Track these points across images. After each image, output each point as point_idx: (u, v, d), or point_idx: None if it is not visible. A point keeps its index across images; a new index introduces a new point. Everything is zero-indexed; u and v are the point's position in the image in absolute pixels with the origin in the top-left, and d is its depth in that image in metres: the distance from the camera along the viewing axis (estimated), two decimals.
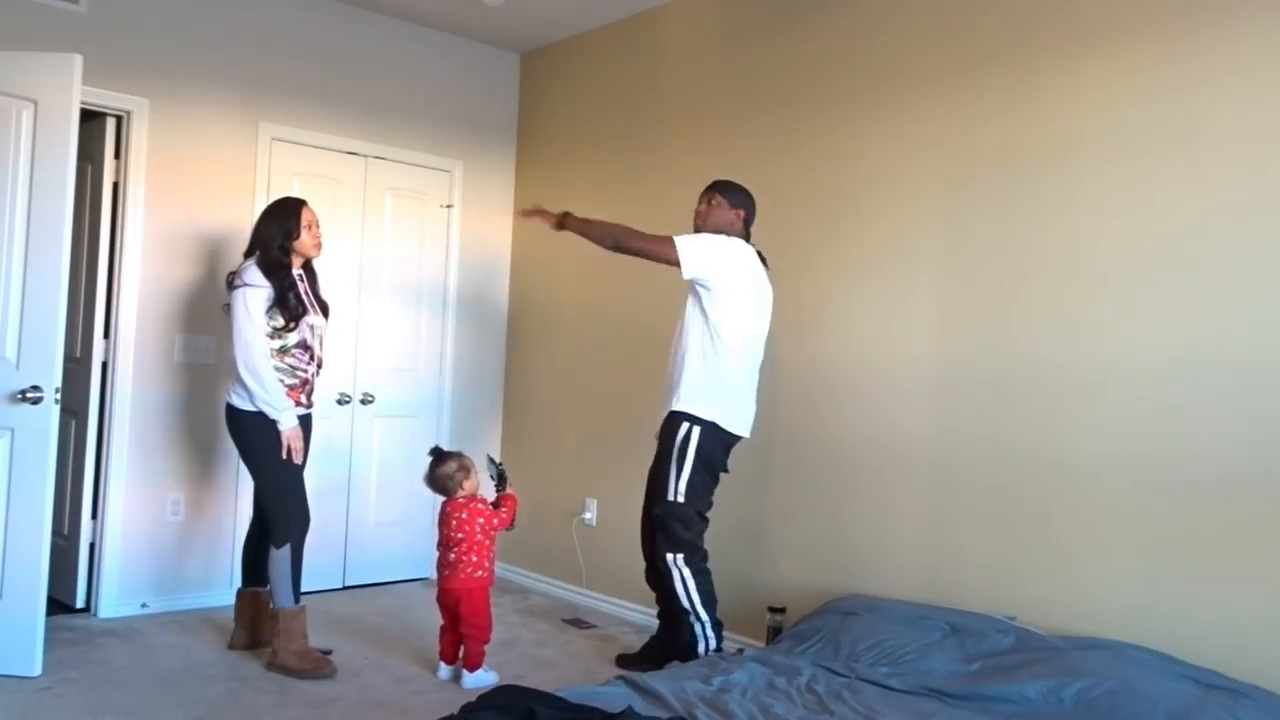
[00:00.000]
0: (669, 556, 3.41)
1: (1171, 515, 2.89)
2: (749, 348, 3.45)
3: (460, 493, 3.56)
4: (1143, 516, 2.95)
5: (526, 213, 3.76)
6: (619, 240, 3.45)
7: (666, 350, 3.63)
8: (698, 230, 3.53)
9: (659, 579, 3.59)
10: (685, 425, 3.39)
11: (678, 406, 3.41)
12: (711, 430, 3.39)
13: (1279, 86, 2.74)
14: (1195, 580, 2.84)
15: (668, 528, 3.42)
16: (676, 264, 3.34)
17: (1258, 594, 2.72)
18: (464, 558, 3.49)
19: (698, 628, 3.40)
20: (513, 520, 3.63)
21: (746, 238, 3.53)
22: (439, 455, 3.62)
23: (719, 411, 3.39)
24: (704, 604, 3.40)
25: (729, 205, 3.52)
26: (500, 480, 3.67)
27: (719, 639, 3.43)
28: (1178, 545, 2.88)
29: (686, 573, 3.39)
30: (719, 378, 3.39)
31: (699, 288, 3.40)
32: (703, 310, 3.40)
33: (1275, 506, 2.70)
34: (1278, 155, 2.74)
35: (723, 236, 3.45)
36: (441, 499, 3.63)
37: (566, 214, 3.60)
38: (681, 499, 3.39)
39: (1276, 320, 2.72)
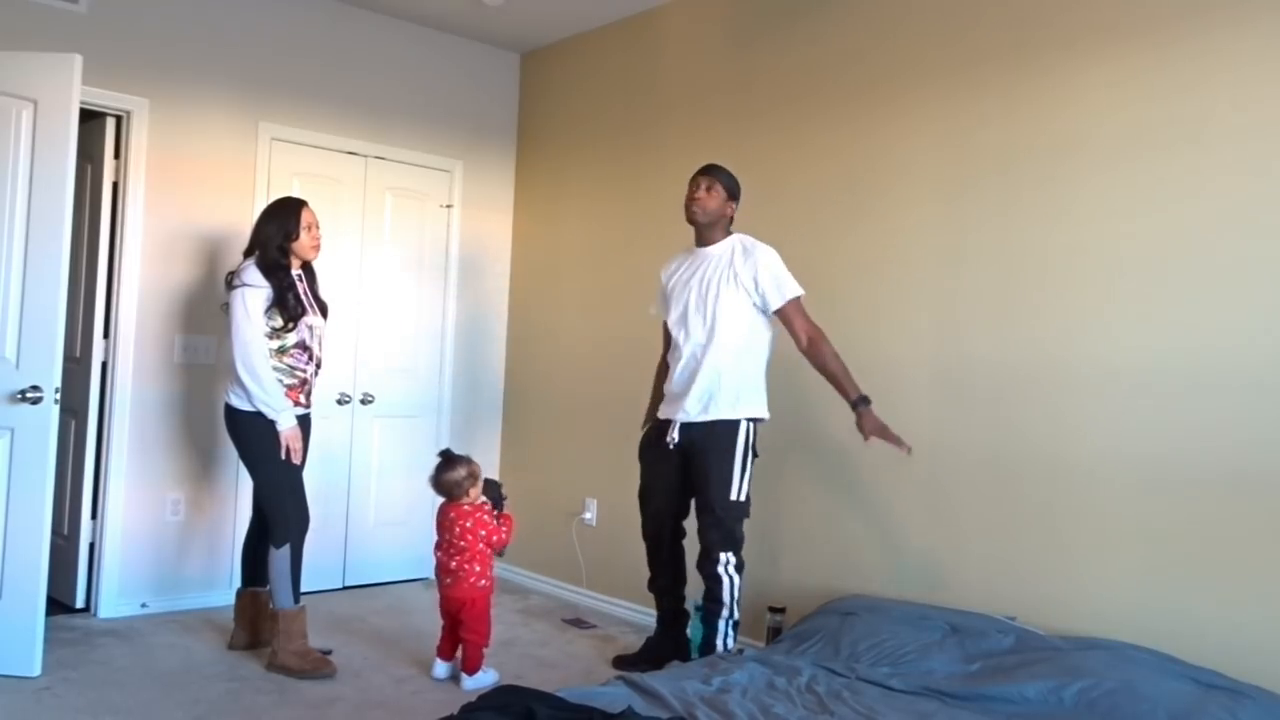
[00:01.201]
0: (723, 556, 3.37)
1: (1172, 515, 2.89)
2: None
3: (465, 499, 3.55)
4: (1143, 516, 2.95)
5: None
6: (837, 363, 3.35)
7: (665, 350, 3.64)
8: (694, 213, 3.46)
9: (671, 581, 3.61)
10: (747, 425, 3.39)
11: (741, 414, 3.37)
12: (762, 425, 3.46)
13: None
14: (1195, 580, 2.84)
15: (729, 527, 3.38)
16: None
17: (1258, 594, 2.72)
18: (466, 566, 3.48)
19: (722, 625, 3.39)
20: (506, 544, 3.61)
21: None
22: (449, 459, 3.57)
23: (765, 405, 3.46)
24: (738, 602, 3.41)
25: (728, 197, 3.49)
26: (498, 503, 3.61)
27: (735, 638, 3.44)
28: (1178, 545, 2.87)
29: (733, 570, 3.39)
30: (764, 374, 3.46)
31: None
32: (755, 318, 3.41)
33: (1275, 506, 2.70)
34: (1279, 156, 2.74)
35: (768, 246, 3.44)
36: (441, 500, 3.62)
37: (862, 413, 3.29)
38: (744, 497, 3.39)
39: (1277, 320, 2.72)
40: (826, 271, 3.82)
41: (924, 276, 3.53)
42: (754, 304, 3.40)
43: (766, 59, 4.13)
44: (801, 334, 3.37)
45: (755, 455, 3.44)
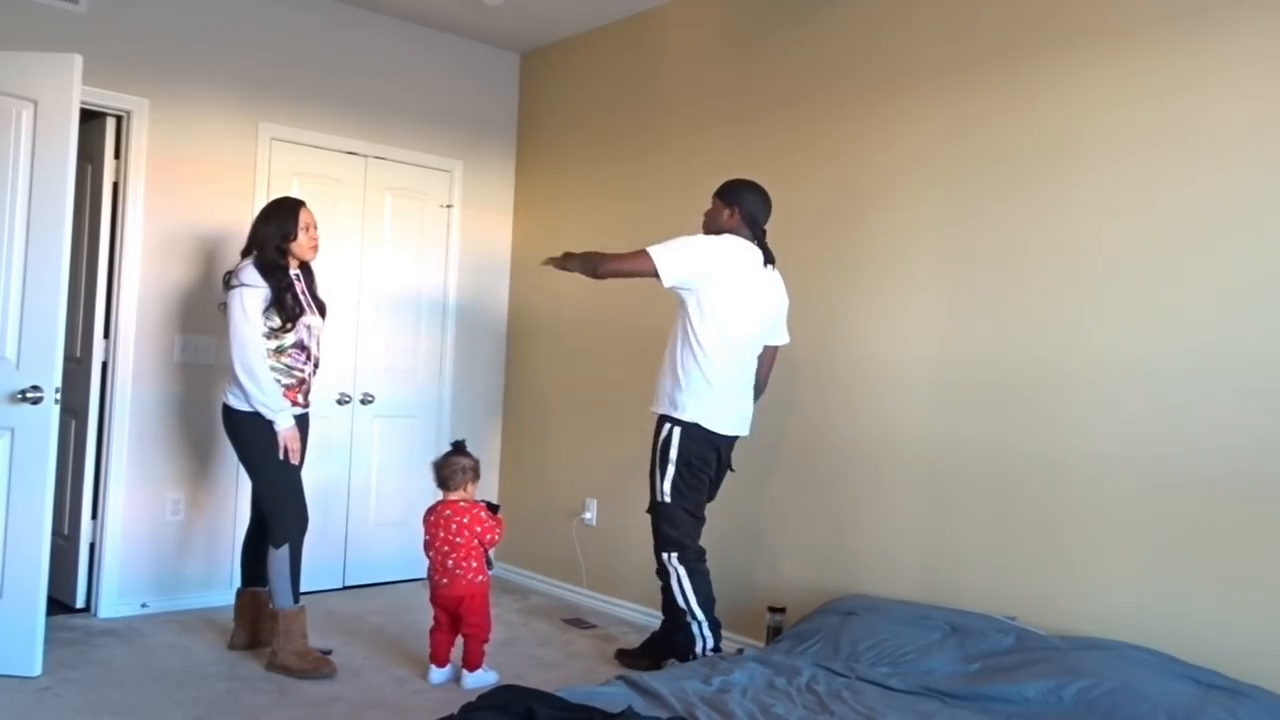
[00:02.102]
0: (664, 555, 3.42)
1: (1171, 515, 2.89)
2: (735, 347, 3.40)
3: (458, 492, 3.56)
4: (1142, 516, 2.95)
5: (551, 262, 3.58)
6: (596, 267, 3.41)
7: (666, 349, 3.64)
8: (706, 233, 3.53)
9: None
10: (667, 426, 3.41)
11: (659, 409, 3.45)
12: (693, 430, 3.38)
13: (1277, 86, 2.75)
14: (1195, 580, 2.84)
15: (657, 527, 3.45)
16: (656, 275, 3.32)
17: (1258, 594, 2.72)
18: (462, 564, 3.49)
19: (694, 627, 3.40)
20: (496, 544, 3.62)
21: (754, 234, 3.49)
22: (461, 448, 3.64)
23: (700, 412, 3.38)
24: (700, 603, 3.40)
25: (723, 204, 3.51)
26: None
27: (717, 639, 3.42)
28: (1178, 545, 2.87)
29: (681, 571, 3.40)
30: (701, 378, 3.37)
31: (681, 292, 3.39)
32: (686, 312, 3.40)
33: (1275, 506, 2.70)
34: (1276, 155, 2.74)
35: (703, 236, 3.45)
36: (430, 502, 3.63)
37: (566, 254, 3.52)
38: (667, 498, 3.41)
39: (1276, 320, 2.72)
40: (824, 271, 3.82)
41: (922, 276, 3.53)
42: (683, 305, 3.40)
43: (766, 59, 4.13)
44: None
45: (687, 461, 3.38)
